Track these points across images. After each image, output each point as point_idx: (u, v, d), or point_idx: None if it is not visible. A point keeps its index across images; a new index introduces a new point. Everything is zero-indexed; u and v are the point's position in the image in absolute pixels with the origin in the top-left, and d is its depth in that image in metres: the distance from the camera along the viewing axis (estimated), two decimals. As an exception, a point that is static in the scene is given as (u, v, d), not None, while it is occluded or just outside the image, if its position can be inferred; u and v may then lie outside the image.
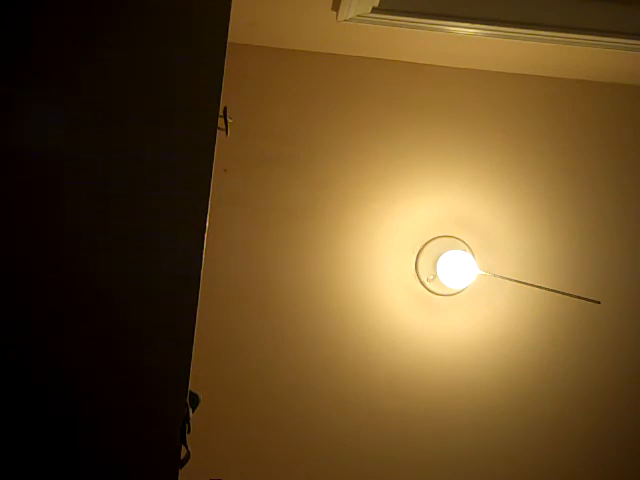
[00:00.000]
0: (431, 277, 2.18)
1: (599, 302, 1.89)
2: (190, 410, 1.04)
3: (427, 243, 2.19)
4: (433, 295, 2.20)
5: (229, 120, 1.20)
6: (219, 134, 1.06)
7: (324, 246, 2.16)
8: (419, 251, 2.20)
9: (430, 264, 2.18)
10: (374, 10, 1.78)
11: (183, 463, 1.03)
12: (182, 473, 1.03)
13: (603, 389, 2.25)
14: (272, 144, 2.15)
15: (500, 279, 2.15)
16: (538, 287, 2.05)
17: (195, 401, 1.09)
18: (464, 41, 1.98)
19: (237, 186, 2.12)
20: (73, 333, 0.98)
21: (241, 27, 1.99)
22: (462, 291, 2.20)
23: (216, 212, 1.18)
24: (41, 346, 0.98)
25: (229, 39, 1.06)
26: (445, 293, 2.20)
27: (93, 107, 1.01)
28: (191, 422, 1.03)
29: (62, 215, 0.99)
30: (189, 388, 1.03)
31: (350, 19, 1.82)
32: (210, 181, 1.03)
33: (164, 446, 1.00)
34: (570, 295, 1.97)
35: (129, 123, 1.02)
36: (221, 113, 1.10)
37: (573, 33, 1.84)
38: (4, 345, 0.97)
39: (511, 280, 2.11)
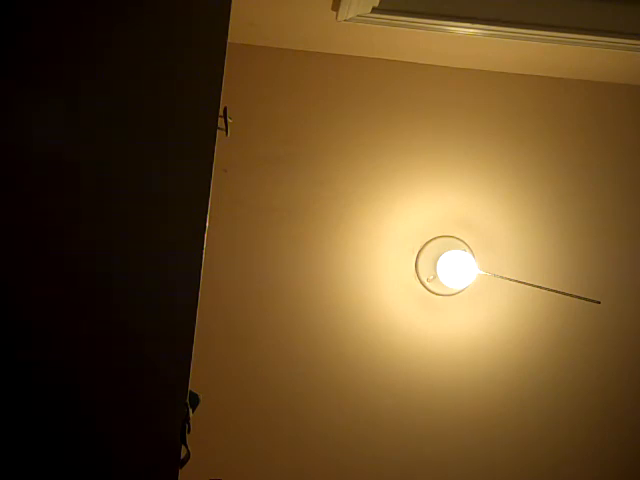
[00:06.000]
0: (431, 277, 2.18)
1: (599, 302, 1.89)
2: (190, 410, 1.04)
3: (427, 243, 2.19)
4: (433, 295, 2.20)
5: (229, 120, 1.20)
6: (219, 134, 1.06)
7: (324, 246, 2.16)
8: (419, 251, 2.20)
9: (430, 264, 2.18)
10: (374, 10, 1.78)
11: (183, 463, 1.03)
12: (182, 473, 1.03)
13: (603, 389, 2.25)
14: (272, 144, 2.15)
15: (500, 279, 2.15)
16: (538, 287, 2.05)
17: (195, 401, 1.09)
18: (464, 41, 1.98)
19: (237, 186, 2.12)
20: (73, 333, 0.98)
21: (241, 27, 1.99)
22: (462, 291, 2.20)
23: (216, 212, 1.18)
24: (41, 346, 0.98)
25: (229, 39, 1.06)
26: (445, 293, 2.20)
27: (93, 107, 1.01)
28: (191, 422, 1.03)
29: (62, 215, 0.99)
30: (189, 388, 1.03)
31: (350, 19, 1.82)
32: (210, 181, 1.03)
33: (164, 446, 1.00)
34: (570, 295, 1.97)
35: (129, 123, 1.02)
36: (221, 113, 1.10)
37: (573, 33, 1.84)
38: (5, 345, 0.97)
39: (511, 280, 2.11)
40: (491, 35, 1.88)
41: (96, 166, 1.01)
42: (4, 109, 0.99)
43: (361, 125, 2.18)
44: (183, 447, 1.02)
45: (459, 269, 2.09)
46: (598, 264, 2.25)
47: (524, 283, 2.09)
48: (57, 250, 0.99)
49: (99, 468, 0.99)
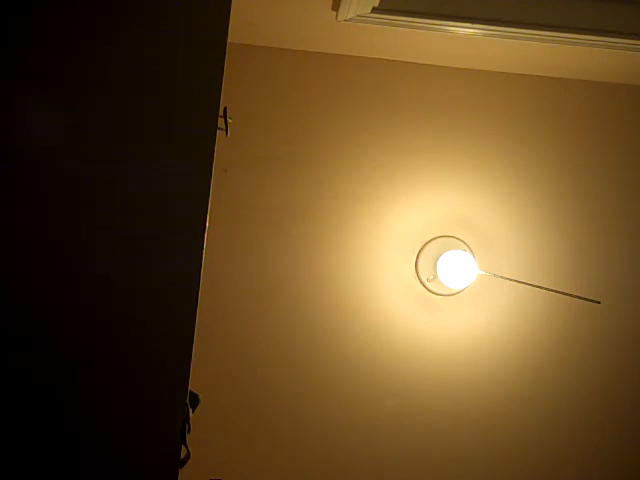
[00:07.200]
0: (431, 277, 2.18)
1: (599, 302, 1.89)
2: (190, 410, 1.04)
3: (427, 243, 2.19)
4: (433, 295, 2.20)
5: (229, 120, 1.20)
6: (219, 134, 1.06)
7: (324, 246, 2.16)
8: (419, 251, 2.20)
9: (430, 264, 2.18)
10: (374, 10, 1.78)
11: (183, 463, 1.03)
12: (182, 473, 1.03)
13: (603, 389, 2.25)
14: (272, 144, 2.15)
15: (500, 279, 2.15)
16: (538, 287, 2.05)
17: (195, 401, 1.09)
18: (464, 41, 1.98)
19: (237, 186, 2.12)
20: (73, 333, 0.98)
21: (241, 27, 1.99)
22: (462, 291, 2.20)
23: (216, 212, 1.18)
24: (42, 346, 0.98)
25: (229, 39, 1.06)
26: (445, 293, 2.20)
27: (93, 107, 1.01)
28: (191, 422, 1.03)
29: (61, 215, 0.99)
30: (189, 388, 1.03)
31: (350, 19, 1.82)
32: (210, 181, 1.03)
33: (164, 446, 1.00)
34: (570, 295, 1.97)
35: (129, 123, 1.02)
36: (221, 113, 1.10)
37: (573, 33, 1.84)
38: (4, 345, 0.97)
39: (511, 280, 2.11)
40: (491, 35, 1.88)
41: (96, 166, 1.01)
42: (4, 109, 0.99)
43: (361, 125, 2.18)
44: (183, 447, 1.02)
45: (459, 269, 2.09)
46: (598, 264, 2.25)
47: (524, 283, 2.09)
48: (56, 250, 0.99)
49: (99, 468, 0.99)
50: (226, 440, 2.10)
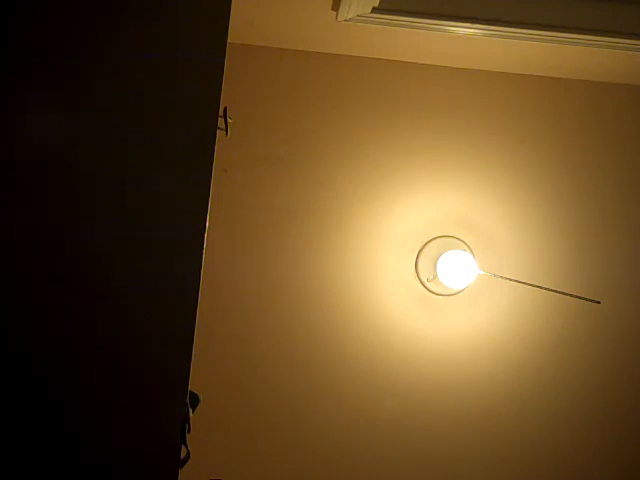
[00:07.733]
0: (431, 277, 2.18)
1: (599, 302, 1.89)
2: (190, 410, 1.04)
3: (427, 243, 2.19)
4: (433, 295, 2.20)
5: (229, 120, 1.20)
6: (219, 134, 1.06)
7: (324, 246, 2.16)
8: (419, 251, 2.20)
9: (430, 264, 2.18)
10: (374, 10, 1.78)
11: (183, 463, 1.03)
12: (182, 473, 1.03)
13: (603, 389, 2.25)
14: (272, 144, 2.15)
15: (500, 279, 2.15)
16: (538, 287, 2.05)
17: (195, 401, 1.09)
18: (464, 41, 1.98)
19: (237, 186, 2.12)
20: (73, 332, 0.98)
21: (241, 27, 1.99)
22: (462, 291, 2.20)
23: (216, 212, 1.18)
24: (42, 346, 0.98)
25: (229, 39, 1.06)
26: (445, 293, 2.20)
27: (93, 107, 1.01)
28: (191, 422, 1.03)
29: (62, 215, 0.99)
30: (189, 388, 1.03)
31: (350, 19, 1.82)
32: (210, 181, 1.03)
33: (164, 446, 1.00)
34: (570, 295, 1.97)
35: (129, 123, 1.02)
36: (221, 113, 1.10)
37: (573, 33, 1.84)
38: (5, 345, 0.97)
39: (511, 280, 2.11)
40: (491, 35, 1.88)
41: (96, 166, 1.01)
42: (4, 109, 0.99)
43: (361, 125, 2.18)
44: (183, 447, 1.02)
45: (459, 269, 2.09)
46: (598, 264, 2.25)
47: (524, 283, 2.09)
48: (57, 250, 0.99)
49: (99, 468, 0.99)
50: (226, 440, 2.10)
